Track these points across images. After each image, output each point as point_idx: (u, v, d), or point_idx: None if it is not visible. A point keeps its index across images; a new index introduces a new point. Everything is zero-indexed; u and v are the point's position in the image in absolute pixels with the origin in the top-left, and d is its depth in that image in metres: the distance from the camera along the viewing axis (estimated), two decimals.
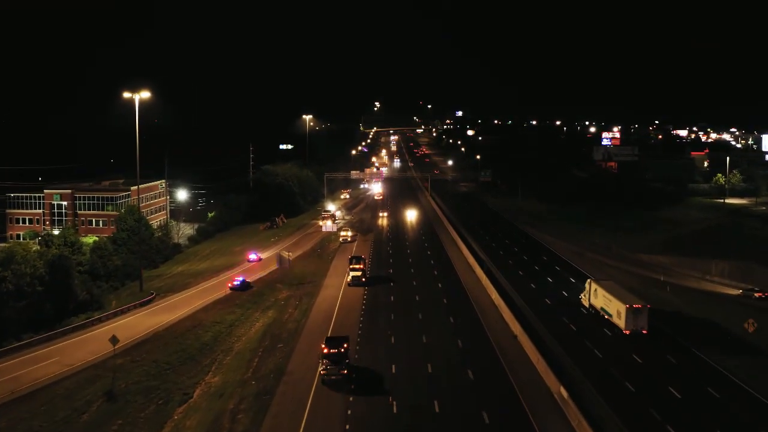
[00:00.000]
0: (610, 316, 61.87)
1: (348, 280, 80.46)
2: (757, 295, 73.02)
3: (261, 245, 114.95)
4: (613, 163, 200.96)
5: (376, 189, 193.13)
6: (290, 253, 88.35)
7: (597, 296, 65.62)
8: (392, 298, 74.75)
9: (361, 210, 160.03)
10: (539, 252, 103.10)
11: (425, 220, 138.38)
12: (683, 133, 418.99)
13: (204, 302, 74.70)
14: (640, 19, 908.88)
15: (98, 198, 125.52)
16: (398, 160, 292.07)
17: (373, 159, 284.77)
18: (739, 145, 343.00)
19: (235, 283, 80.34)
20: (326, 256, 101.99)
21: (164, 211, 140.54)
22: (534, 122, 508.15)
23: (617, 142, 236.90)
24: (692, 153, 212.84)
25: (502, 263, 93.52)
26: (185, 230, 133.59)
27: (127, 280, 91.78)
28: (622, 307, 59.32)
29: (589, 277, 70.38)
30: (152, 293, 79.64)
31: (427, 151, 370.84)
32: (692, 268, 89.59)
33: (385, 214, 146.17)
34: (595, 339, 58.41)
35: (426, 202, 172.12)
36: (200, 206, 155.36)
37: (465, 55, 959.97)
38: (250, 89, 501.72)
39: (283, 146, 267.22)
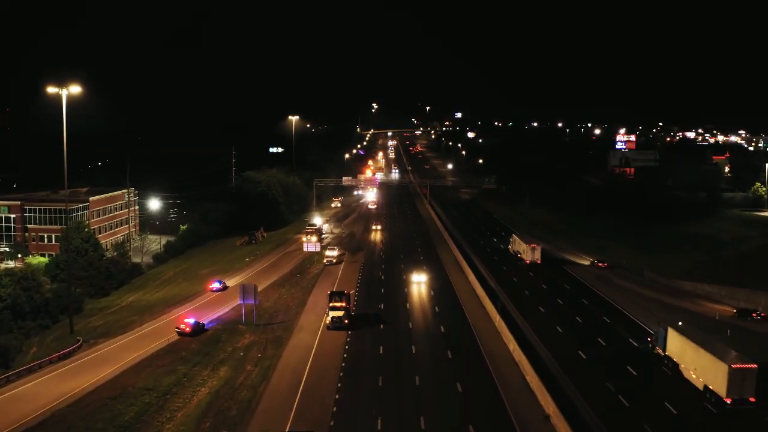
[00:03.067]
0: (521, 253, 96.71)
1: (327, 321, 64.34)
2: (599, 264, 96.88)
3: (232, 267, 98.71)
4: (627, 169, 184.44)
5: (370, 197, 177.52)
6: (257, 285, 71.64)
7: (514, 243, 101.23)
8: (382, 349, 58.54)
9: (353, 221, 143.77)
10: (559, 277, 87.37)
11: (424, 234, 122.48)
12: (691, 135, 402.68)
13: (140, 354, 57.87)
14: (639, 19, 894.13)
15: (50, 210, 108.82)
16: (395, 163, 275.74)
17: (369, 162, 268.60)
18: (751, 148, 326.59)
19: (185, 325, 63.70)
20: (306, 282, 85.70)
21: (127, 225, 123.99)
22: (535, 124, 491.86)
23: (632, 146, 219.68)
24: (714, 157, 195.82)
25: (516, 293, 77.61)
26: (153, 245, 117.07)
27: (64, 315, 74.88)
28: (523, 246, 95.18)
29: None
30: (79, 340, 62.99)
31: (424, 151, 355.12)
32: (748, 302, 73.54)
33: (379, 226, 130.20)
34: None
35: (425, 212, 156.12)
36: (172, 218, 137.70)
37: (464, 56, 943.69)
38: (240, 89, 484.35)
39: (273, 149, 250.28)
